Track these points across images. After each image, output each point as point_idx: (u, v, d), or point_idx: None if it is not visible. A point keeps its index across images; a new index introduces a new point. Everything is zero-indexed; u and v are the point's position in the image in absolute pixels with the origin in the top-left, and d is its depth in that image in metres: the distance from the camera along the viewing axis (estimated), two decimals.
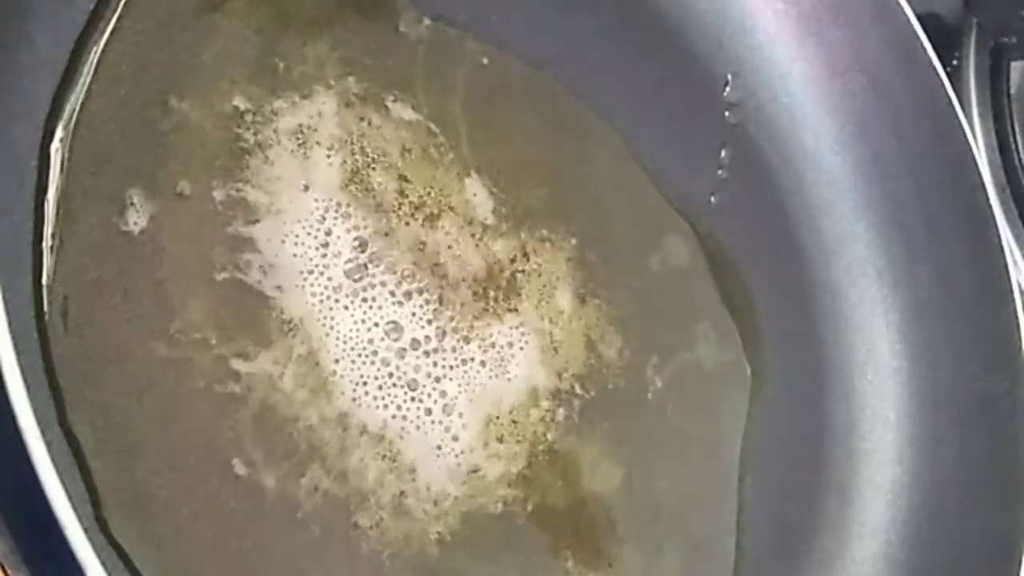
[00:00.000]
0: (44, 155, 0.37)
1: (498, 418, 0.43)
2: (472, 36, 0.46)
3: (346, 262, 0.41)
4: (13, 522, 0.32)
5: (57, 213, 0.36)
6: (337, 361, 0.40)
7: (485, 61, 0.47)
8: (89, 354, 0.36)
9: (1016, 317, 0.49)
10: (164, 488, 0.36)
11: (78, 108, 0.37)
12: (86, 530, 0.30)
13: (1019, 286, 0.49)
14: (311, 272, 0.40)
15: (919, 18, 0.50)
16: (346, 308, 0.41)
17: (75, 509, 0.30)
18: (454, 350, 0.42)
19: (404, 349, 0.41)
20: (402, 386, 0.41)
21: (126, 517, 0.35)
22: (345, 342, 0.40)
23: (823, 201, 0.53)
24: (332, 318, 0.40)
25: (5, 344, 0.30)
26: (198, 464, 0.37)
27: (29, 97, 0.37)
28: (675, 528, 0.46)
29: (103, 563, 0.30)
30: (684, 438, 0.47)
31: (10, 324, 0.30)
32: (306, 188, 0.41)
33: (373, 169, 0.43)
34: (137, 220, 0.38)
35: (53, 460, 0.30)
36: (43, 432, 0.30)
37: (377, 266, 0.42)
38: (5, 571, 0.32)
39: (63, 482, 0.30)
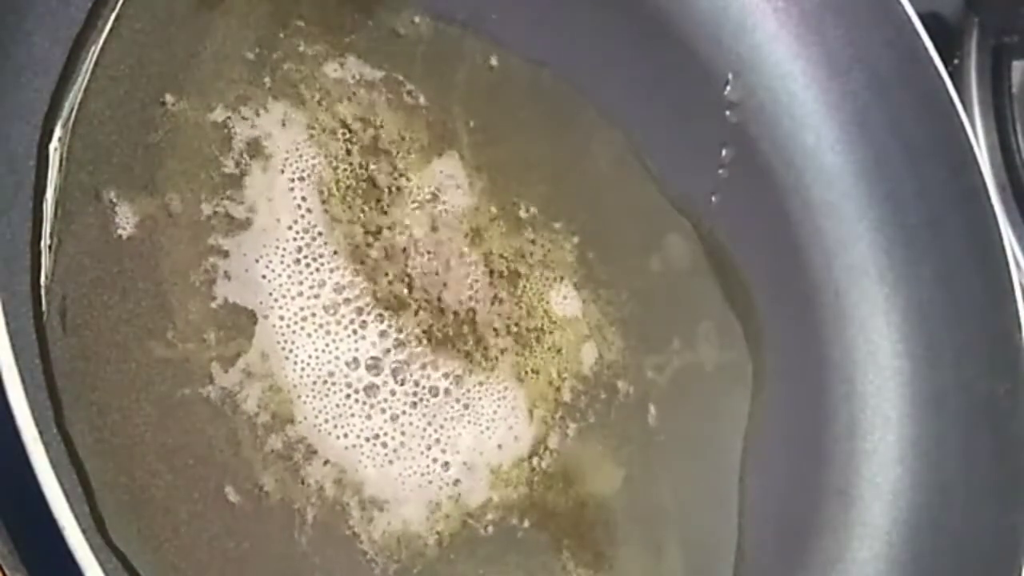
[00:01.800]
0: (42, 155, 0.36)
1: (499, 419, 0.43)
2: (472, 34, 0.46)
3: (338, 265, 0.41)
4: (11, 523, 0.32)
5: (55, 213, 0.36)
6: (345, 359, 0.40)
7: (485, 60, 0.46)
8: (87, 354, 0.36)
9: (1018, 317, 0.49)
10: (162, 489, 0.36)
11: (76, 107, 0.37)
12: (84, 531, 0.30)
13: (1021, 286, 0.49)
14: (303, 276, 0.40)
15: (920, 17, 0.50)
16: (336, 314, 0.41)
17: (73, 510, 0.30)
18: (459, 350, 0.42)
19: (402, 354, 0.41)
20: (407, 389, 0.41)
21: (124, 518, 0.35)
22: (321, 350, 0.40)
23: (824, 201, 0.53)
24: (304, 333, 0.40)
25: (3, 345, 0.30)
26: (196, 464, 0.37)
27: (27, 96, 0.36)
28: (676, 529, 0.46)
29: (101, 564, 0.30)
30: (685, 439, 0.47)
31: (8, 324, 0.30)
32: (301, 189, 0.41)
33: (371, 169, 0.43)
34: (135, 221, 0.38)
35: (51, 461, 0.30)
36: (41, 433, 0.30)
37: (371, 271, 0.42)
38: (3, 572, 0.31)
39: (61, 483, 0.29)
